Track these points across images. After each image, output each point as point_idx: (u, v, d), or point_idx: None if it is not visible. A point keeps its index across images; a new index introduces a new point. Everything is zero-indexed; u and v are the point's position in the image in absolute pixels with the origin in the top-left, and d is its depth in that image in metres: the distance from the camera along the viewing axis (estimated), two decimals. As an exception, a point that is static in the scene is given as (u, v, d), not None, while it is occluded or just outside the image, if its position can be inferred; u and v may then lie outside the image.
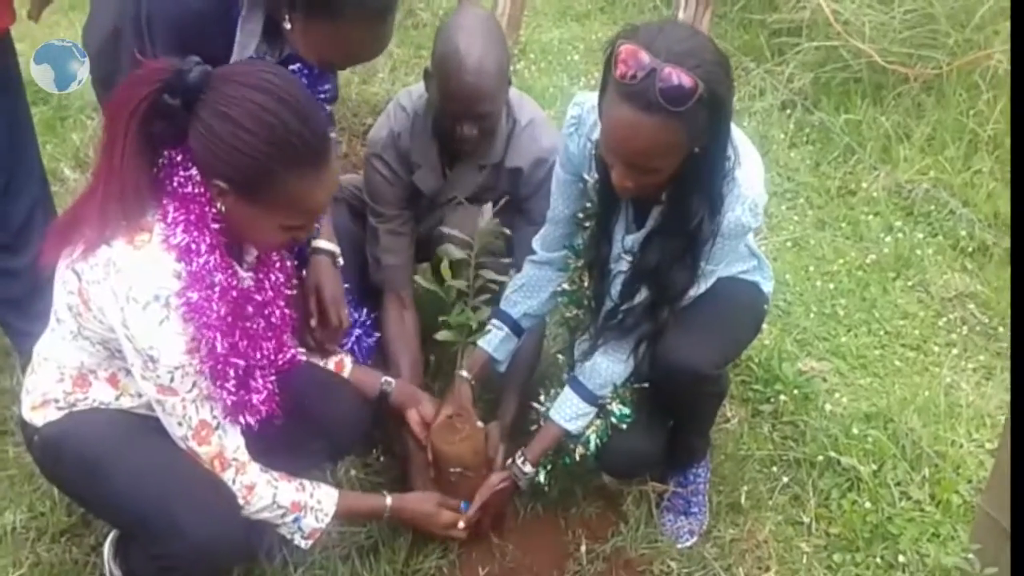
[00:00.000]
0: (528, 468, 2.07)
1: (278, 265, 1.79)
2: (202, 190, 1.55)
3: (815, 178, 3.59)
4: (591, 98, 1.87)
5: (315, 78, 2.03)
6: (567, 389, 2.07)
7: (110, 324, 1.56)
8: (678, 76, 1.56)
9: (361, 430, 2.11)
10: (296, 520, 1.80)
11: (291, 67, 2.00)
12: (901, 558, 2.10)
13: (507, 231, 2.09)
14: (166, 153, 1.56)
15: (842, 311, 2.92)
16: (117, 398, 1.73)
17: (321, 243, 2.14)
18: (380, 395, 2.10)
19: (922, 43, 3.88)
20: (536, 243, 2.18)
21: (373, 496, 2.03)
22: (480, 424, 2.12)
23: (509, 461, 2.10)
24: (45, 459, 1.79)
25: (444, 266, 1.98)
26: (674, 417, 2.12)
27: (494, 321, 2.16)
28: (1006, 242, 3.18)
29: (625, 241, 1.96)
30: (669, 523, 2.22)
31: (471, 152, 2.28)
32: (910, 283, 3.07)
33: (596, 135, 1.86)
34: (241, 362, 1.66)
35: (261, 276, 1.74)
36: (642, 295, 1.94)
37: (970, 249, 3.22)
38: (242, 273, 1.69)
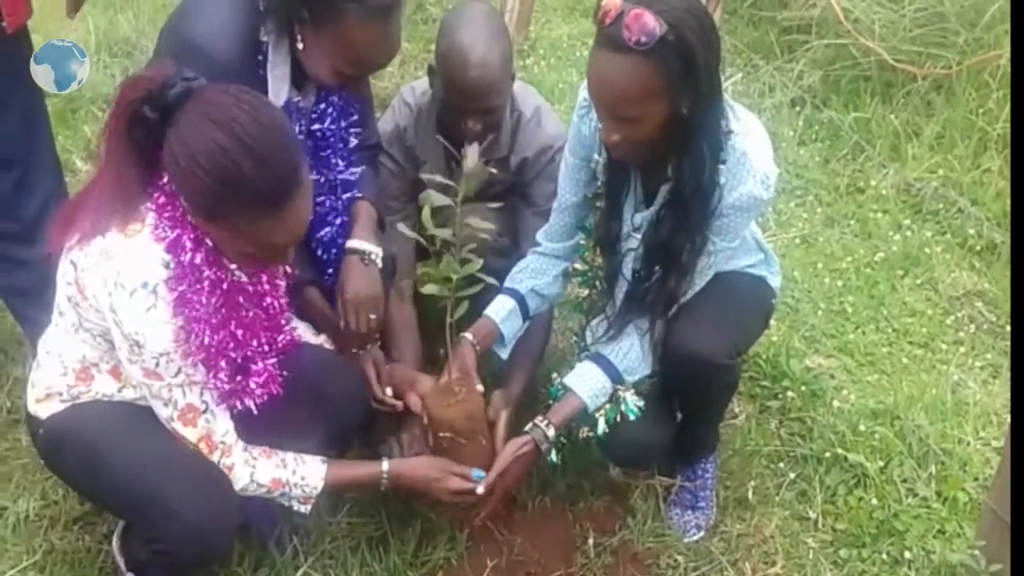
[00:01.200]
0: (551, 431, 1.98)
1: (272, 276, 1.81)
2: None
3: (824, 175, 3.59)
4: None
5: (341, 112, 2.09)
6: (591, 364, 2.01)
7: (100, 309, 1.60)
8: (643, 17, 1.63)
9: (364, 406, 2.11)
10: (283, 495, 1.82)
11: (322, 106, 2.06)
12: (907, 554, 2.11)
13: (493, 171, 2.03)
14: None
15: (850, 308, 2.92)
16: (120, 390, 1.76)
17: (353, 243, 2.12)
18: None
19: (932, 42, 3.87)
20: (541, 236, 2.18)
21: (367, 463, 1.95)
22: (480, 388, 2.03)
23: (530, 425, 2.00)
24: (49, 451, 1.83)
25: (426, 215, 1.86)
26: (684, 409, 2.13)
27: (500, 296, 2.14)
28: (1015, 241, 3.18)
29: (634, 219, 1.98)
30: (676, 517, 2.24)
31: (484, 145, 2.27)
32: (918, 281, 3.08)
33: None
34: (236, 354, 1.70)
35: (256, 270, 1.76)
36: (657, 272, 1.95)
37: (978, 248, 3.22)
38: (234, 267, 1.70)
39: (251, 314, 1.74)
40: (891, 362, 2.73)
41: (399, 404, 2.14)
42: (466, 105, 2.18)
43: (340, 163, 2.13)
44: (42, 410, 1.78)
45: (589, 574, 2.10)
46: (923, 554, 2.12)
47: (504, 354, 2.19)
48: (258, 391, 1.77)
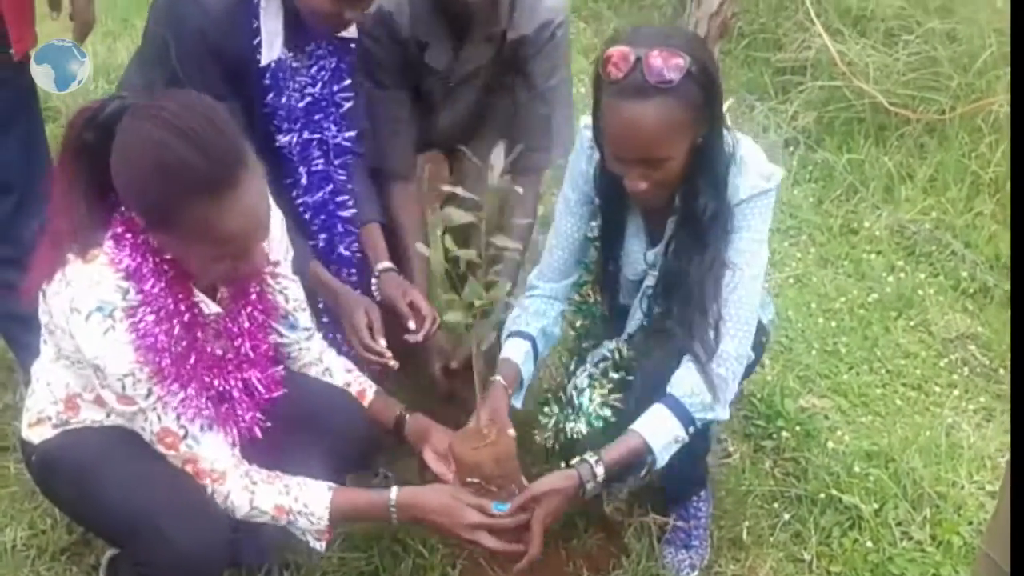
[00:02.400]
0: (600, 469, 1.79)
1: (255, 297, 1.77)
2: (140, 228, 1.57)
3: (818, 216, 3.62)
4: None
5: (334, 75, 2.06)
6: (659, 406, 1.85)
7: (68, 335, 1.57)
8: (665, 56, 1.66)
9: (367, 442, 2.05)
10: (291, 524, 1.74)
11: (314, 69, 2.04)
12: (902, 598, 2.11)
13: (519, 189, 1.98)
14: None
15: (844, 349, 2.93)
16: (108, 415, 1.73)
17: (383, 264, 2.15)
18: (395, 423, 2.01)
19: (925, 85, 3.93)
20: (535, 278, 2.14)
21: (376, 492, 1.81)
22: (512, 432, 1.88)
23: (578, 459, 1.82)
24: (42, 476, 1.80)
25: (440, 238, 1.82)
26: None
27: (512, 339, 2.07)
28: (1007, 284, 3.20)
29: (647, 257, 1.98)
30: (670, 556, 2.22)
31: (483, 18, 2.15)
32: (912, 323, 3.09)
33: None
34: (206, 388, 1.67)
35: (237, 308, 1.74)
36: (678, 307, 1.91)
37: (971, 290, 3.24)
38: (209, 303, 1.68)
39: (219, 352, 1.71)
40: (885, 403, 2.73)
41: (389, 356, 2.07)
42: None
43: (332, 127, 2.11)
44: (34, 435, 1.76)
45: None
46: (918, 598, 2.11)
47: (518, 402, 2.06)
48: (244, 427, 1.75)
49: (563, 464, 1.85)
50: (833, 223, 3.57)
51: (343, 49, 2.12)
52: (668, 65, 1.67)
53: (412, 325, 2.12)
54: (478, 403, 1.81)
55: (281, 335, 1.92)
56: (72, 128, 1.52)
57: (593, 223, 2.05)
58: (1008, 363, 2.89)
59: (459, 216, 1.64)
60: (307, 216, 2.15)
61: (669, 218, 1.92)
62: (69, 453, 1.72)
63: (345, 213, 2.20)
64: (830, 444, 2.49)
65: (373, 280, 2.19)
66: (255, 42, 1.95)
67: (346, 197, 2.19)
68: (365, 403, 2.00)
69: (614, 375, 2.03)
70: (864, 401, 2.74)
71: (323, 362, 2.00)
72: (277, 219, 1.79)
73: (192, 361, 1.63)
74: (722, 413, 1.89)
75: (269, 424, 1.78)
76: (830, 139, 3.97)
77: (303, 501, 1.72)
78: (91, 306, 1.52)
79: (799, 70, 4.22)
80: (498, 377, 2.02)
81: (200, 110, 1.48)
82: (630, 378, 2.02)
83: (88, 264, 1.54)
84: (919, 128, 3.85)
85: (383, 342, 2.08)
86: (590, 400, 2.02)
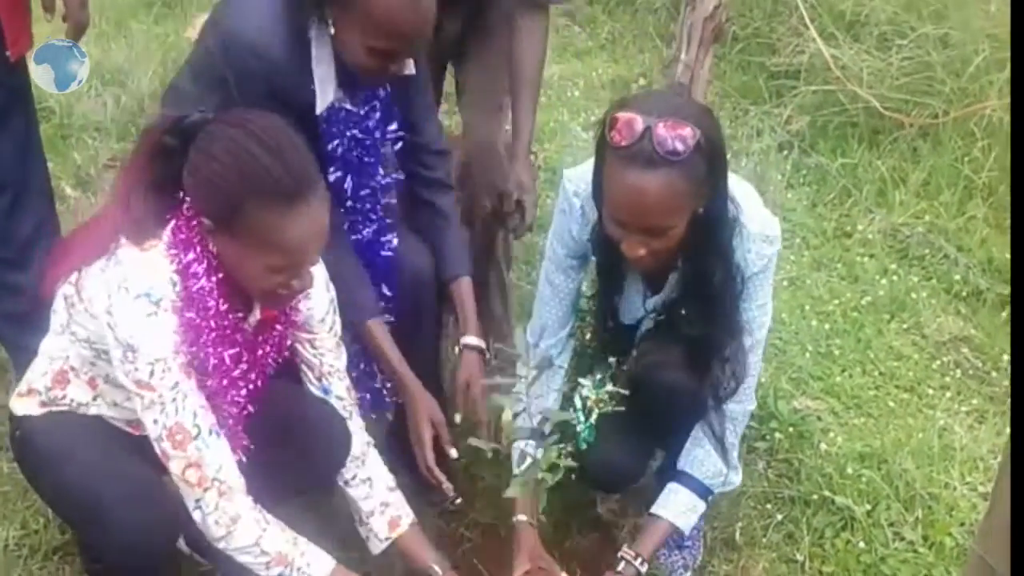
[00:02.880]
0: (644, 568, 1.96)
1: (276, 336, 1.80)
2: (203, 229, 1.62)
3: (812, 219, 3.63)
4: (583, 179, 1.89)
5: (384, 117, 2.05)
6: (674, 484, 2.01)
7: (95, 313, 1.59)
8: (674, 127, 1.65)
9: (344, 457, 2.01)
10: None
11: (365, 110, 2.04)
12: (895, 599, 2.12)
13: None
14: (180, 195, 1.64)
15: (837, 351, 2.94)
16: (95, 398, 1.75)
17: (470, 340, 2.12)
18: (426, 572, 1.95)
19: (918, 90, 3.94)
20: (532, 335, 2.08)
21: None
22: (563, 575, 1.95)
23: (622, 563, 1.96)
24: (20, 454, 1.84)
25: (507, 419, 1.80)
26: (659, 441, 2.12)
27: (525, 446, 2.00)
28: (1000, 288, 3.21)
29: (647, 304, 2.00)
30: (664, 557, 2.22)
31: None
32: (905, 325, 3.10)
33: (594, 217, 1.90)
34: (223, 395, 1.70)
35: (260, 338, 1.77)
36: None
37: (964, 294, 3.25)
38: (256, 311, 1.74)
39: (240, 370, 1.72)
40: (878, 405, 2.74)
41: (450, 488, 2.05)
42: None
43: (380, 168, 2.10)
44: (20, 407, 1.79)
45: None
46: (910, 599, 2.12)
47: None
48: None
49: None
50: (827, 226, 3.58)
51: (396, 87, 2.08)
52: (677, 136, 1.65)
53: (454, 453, 2.09)
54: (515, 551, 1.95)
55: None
56: (151, 133, 1.62)
57: (582, 275, 2.05)
58: (1001, 366, 2.91)
59: (503, 403, 1.78)
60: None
61: (671, 273, 1.93)
62: (45, 437, 1.75)
63: (388, 253, 2.17)
64: (823, 446, 2.50)
65: (456, 348, 2.16)
66: (312, 88, 1.93)
67: (390, 237, 2.16)
68: (395, 532, 1.94)
69: (608, 392, 2.04)
70: (857, 403, 2.75)
71: (365, 466, 1.94)
72: (322, 279, 1.81)
73: (225, 364, 1.67)
74: (737, 479, 2.06)
75: (252, 446, 1.79)
76: (824, 143, 3.97)
77: (307, 560, 1.72)
78: (141, 289, 1.56)
79: (793, 74, 4.23)
80: (522, 516, 2.02)
81: (284, 129, 1.60)
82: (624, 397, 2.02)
83: (144, 252, 1.60)
84: (912, 133, 3.86)
85: (454, 452, 2.06)
86: (585, 420, 2.02)
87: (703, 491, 2.00)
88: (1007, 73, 3.76)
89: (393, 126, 2.09)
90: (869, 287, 3.25)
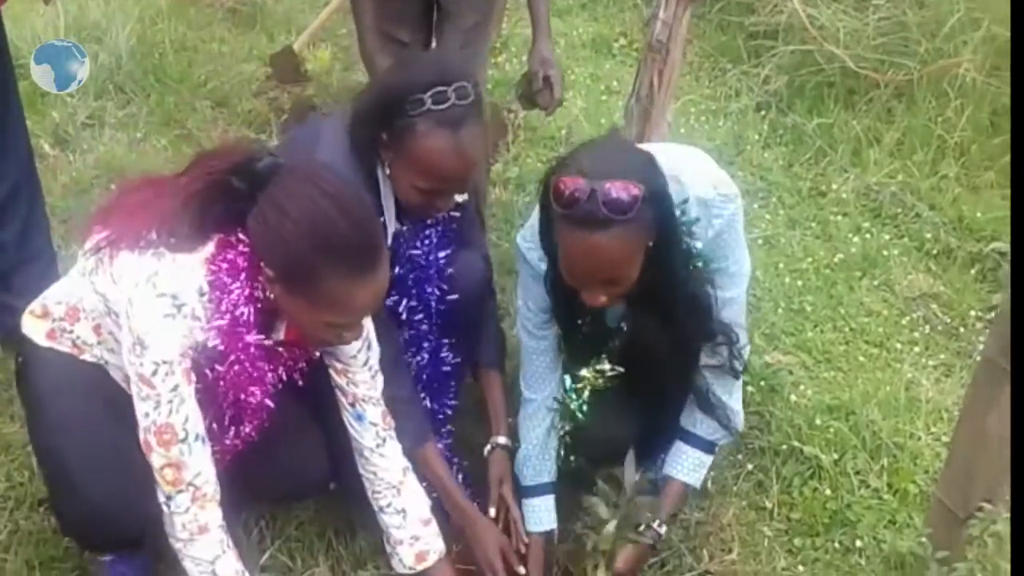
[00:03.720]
0: (663, 529, 2.05)
1: (296, 356, 1.79)
2: (257, 267, 1.60)
3: (787, 178, 3.67)
4: (536, 237, 1.94)
5: (439, 242, 2.13)
6: (679, 444, 2.10)
7: (119, 288, 1.58)
8: (617, 188, 1.68)
9: (322, 474, 2.03)
10: None
11: (420, 235, 2.11)
12: (858, 543, 2.19)
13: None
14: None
15: (809, 307, 2.99)
16: (99, 343, 1.75)
17: (501, 440, 2.19)
18: None
19: (894, 50, 3.97)
20: (525, 388, 2.14)
21: None
22: None
23: (643, 527, 2.02)
24: (18, 377, 1.85)
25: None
26: (649, 403, 2.17)
27: (534, 501, 2.11)
28: (969, 245, 3.28)
29: (617, 313, 2.02)
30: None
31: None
32: (876, 282, 3.16)
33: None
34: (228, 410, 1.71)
35: (279, 352, 1.76)
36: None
37: (934, 251, 3.31)
38: (280, 330, 1.73)
39: (246, 381, 1.70)
40: (848, 360, 2.80)
41: None
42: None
43: (436, 291, 2.16)
44: (31, 327, 1.77)
45: (552, 559, 2.14)
46: (874, 543, 2.19)
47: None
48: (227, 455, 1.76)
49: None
50: (802, 186, 3.62)
51: (451, 214, 2.15)
52: (624, 196, 1.67)
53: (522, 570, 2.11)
54: None
55: (351, 424, 1.89)
56: (214, 164, 1.57)
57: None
58: (968, 321, 2.98)
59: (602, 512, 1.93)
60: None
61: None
62: (44, 375, 1.76)
63: (446, 368, 2.25)
64: (793, 398, 2.56)
65: (486, 450, 2.22)
66: (383, 219, 2.00)
67: (447, 354, 2.23)
68: (421, 566, 1.93)
69: (601, 369, 2.07)
70: (827, 357, 2.81)
71: (401, 496, 1.92)
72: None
73: (232, 382, 1.67)
74: (739, 423, 2.13)
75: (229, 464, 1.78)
76: (800, 103, 4.01)
77: None
78: (167, 289, 1.54)
79: (771, 34, 4.25)
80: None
81: (358, 192, 1.62)
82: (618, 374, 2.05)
83: (185, 255, 1.57)
84: (887, 93, 3.90)
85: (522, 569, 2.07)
86: (577, 396, 2.07)
87: (708, 446, 2.09)
88: (982, 32, 3.81)
89: (450, 249, 2.16)
90: (842, 245, 3.31)
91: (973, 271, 3.22)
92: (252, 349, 1.66)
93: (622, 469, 1.95)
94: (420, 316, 2.18)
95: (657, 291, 1.87)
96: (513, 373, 2.25)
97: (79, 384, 1.75)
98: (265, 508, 2.09)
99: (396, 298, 2.12)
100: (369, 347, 1.84)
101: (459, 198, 2.11)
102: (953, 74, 3.76)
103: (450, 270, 2.16)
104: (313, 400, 1.94)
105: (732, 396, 2.09)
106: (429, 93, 1.86)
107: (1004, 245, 3.12)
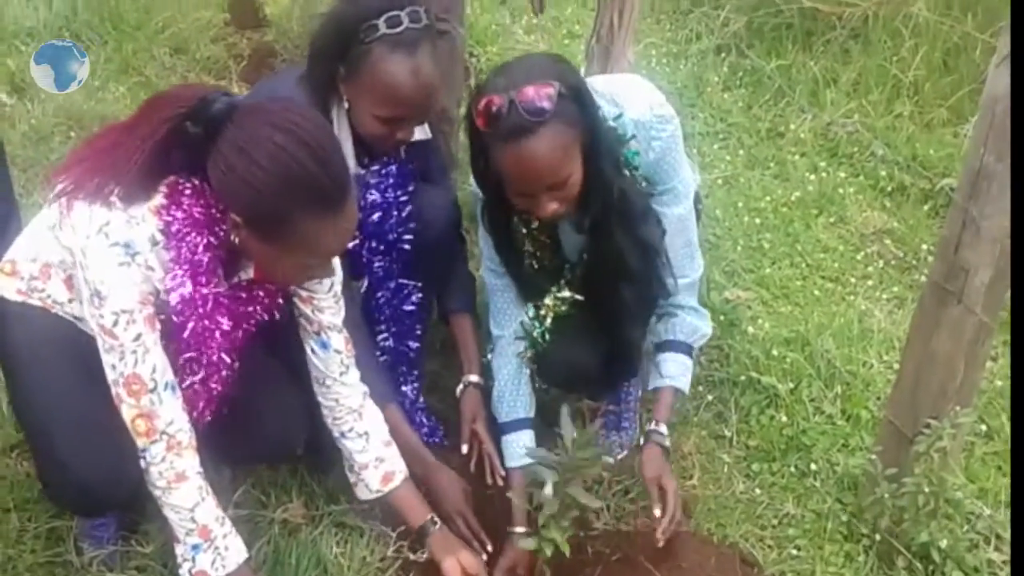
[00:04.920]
0: (664, 428, 2.12)
1: (266, 295, 1.76)
2: (216, 214, 1.57)
3: (747, 120, 3.72)
4: None
5: (397, 182, 2.13)
6: (659, 353, 2.14)
7: (74, 238, 1.55)
8: (531, 91, 1.72)
9: (297, 442, 2.03)
10: (195, 548, 1.68)
11: (378, 179, 2.11)
12: (813, 466, 2.27)
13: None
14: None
15: (767, 245, 3.07)
16: (70, 301, 1.73)
17: (473, 378, 2.24)
18: (419, 530, 1.96)
19: (852, -10, 4.02)
20: (495, 327, 2.18)
21: None
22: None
23: (648, 432, 2.13)
24: None
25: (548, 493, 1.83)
26: (610, 326, 2.22)
27: (510, 437, 2.13)
28: (923, 183, 3.36)
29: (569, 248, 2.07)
30: (602, 438, 2.35)
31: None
32: (831, 220, 3.24)
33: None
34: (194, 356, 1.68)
35: (248, 295, 1.73)
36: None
37: (889, 189, 3.39)
38: (248, 270, 1.70)
39: (216, 327, 1.68)
40: (804, 294, 2.88)
41: (487, 541, 2.05)
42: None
43: (395, 233, 2.17)
44: (2, 283, 1.74)
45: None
46: (828, 466, 2.28)
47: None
48: (200, 404, 1.74)
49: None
50: (761, 126, 3.68)
51: (410, 153, 2.15)
52: (540, 97, 1.71)
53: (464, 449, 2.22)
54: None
55: (314, 352, 1.88)
56: (166, 107, 1.50)
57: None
58: (920, 255, 3.07)
59: (548, 476, 1.82)
60: (375, 315, 2.23)
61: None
62: (18, 334, 1.73)
63: (409, 307, 2.26)
64: (751, 331, 2.64)
65: (458, 389, 2.26)
66: None
67: (409, 293, 2.25)
68: (388, 487, 1.95)
69: (563, 296, 2.11)
70: (785, 292, 2.89)
71: (363, 419, 1.93)
72: None
73: (196, 331, 1.65)
74: (708, 327, 2.18)
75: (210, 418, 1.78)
76: (760, 44, 4.05)
77: (227, 543, 1.70)
78: (120, 239, 1.52)
79: (731, -24, 4.27)
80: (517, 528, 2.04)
81: (321, 125, 1.55)
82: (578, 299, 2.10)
83: (134, 206, 1.54)
84: (844, 34, 3.95)
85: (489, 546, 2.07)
86: (540, 324, 2.11)
87: (687, 349, 2.14)
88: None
89: (409, 188, 2.16)
90: (799, 184, 3.37)
91: (926, 207, 3.31)
92: (211, 301, 1.63)
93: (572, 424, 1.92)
94: (381, 258, 2.20)
95: (605, 199, 1.90)
96: (485, 315, 2.29)
97: (55, 343, 1.73)
98: (239, 468, 2.09)
99: (356, 243, 2.13)
100: (333, 272, 1.83)
101: (420, 134, 2.12)
102: (907, 14, 3.81)
103: (409, 208, 2.17)
104: (286, 360, 1.94)
105: (695, 303, 2.15)
106: (383, 18, 1.88)
107: (955, 181, 3.19)
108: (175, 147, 1.52)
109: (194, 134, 1.50)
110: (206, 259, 1.59)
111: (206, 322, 1.66)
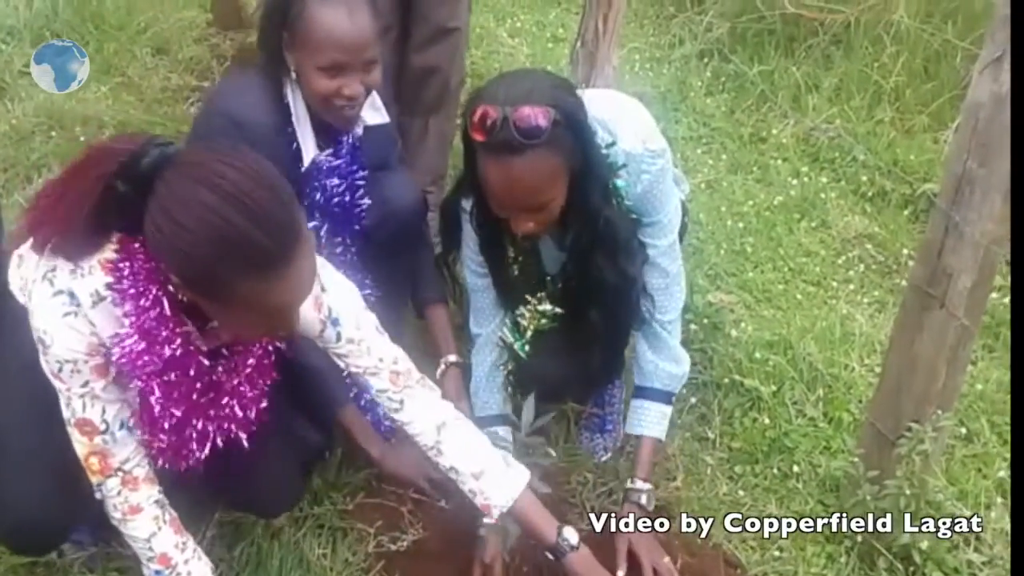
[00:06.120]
0: (646, 486, 2.06)
1: (250, 367, 1.67)
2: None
3: (729, 124, 3.75)
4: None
5: (356, 162, 2.13)
6: (637, 401, 2.11)
7: (23, 283, 1.52)
8: (528, 112, 1.70)
9: (285, 509, 2.04)
10: (158, 573, 1.65)
11: (347, 154, 2.12)
12: (795, 468, 2.28)
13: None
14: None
15: (750, 248, 3.08)
16: None
17: (451, 358, 2.25)
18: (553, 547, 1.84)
19: (832, -1, 4.06)
20: (474, 325, 2.18)
21: None
22: None
23: (627, 491, 2.07)
24: None
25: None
26: (593, 337, 2.23)
27: (486, 431, 2.00)
28: (903, 188, 3.39)
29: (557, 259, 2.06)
30: (586, 440, 2.37)
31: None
32: (813, 224, 3.26)
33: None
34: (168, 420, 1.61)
35: (227, 366, 1.65)
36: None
37: (870, 194, 3.42)
38: (202, 344, 1.59)
39: (206, 398, 1.62)
40: (786, 298, 2.90)
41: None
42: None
43: (355, 211, 2.17)
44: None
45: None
46: (810, 468, 2.29)
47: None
48: (187, 460, 1.67)
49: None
50: (744, 131, 3.71)
51: (367, 137, 2.15)
52: (535, 120, 1.69)
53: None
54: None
55: (374, 399, 1.85)
56: (97, 166, 1.38)
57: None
58: (901, 260, 3.10)
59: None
60: None
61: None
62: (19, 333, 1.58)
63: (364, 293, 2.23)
64: (734, 334, 2.65)
65: (438, 371, 2.25)
66: (295, 147, 2.03)
67: (366, 280, 2.22)
68: (492, 515, 1.83)
69: (542, 310, 2.11)
70: (767, 296, 2.90)
71: (443, 455, 1.83)
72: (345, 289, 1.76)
73: (174, 398, 1.58)
74: (687, 367, 2.14)
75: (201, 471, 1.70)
76: (742, 50, 4.08)
77: (189, 568, 1.67)
78: (63, 287, 1.44)
79: (714, -19, 4.30)
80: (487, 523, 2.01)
81: (258, 175, 1.37)
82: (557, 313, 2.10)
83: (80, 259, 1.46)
84: (826, 40, 3.98)
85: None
86: (521, 337, 2.12)
87: (665, 397, 2.11)
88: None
89: (364, 172, 2.16)
90: (782, 188, 3.40)
91: (906, 212, 3.35)
92: (168, 363, 1.53)
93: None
94: (338, 239, 2.18)
95: (588, 225, 1.90)
96: (465, 311, 2.29)
97: (30, 390, 1.61)
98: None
99: (317, 224, 2.13)
100: (335, 323, 1.72)
101: (377, 118, 2.14)
102: (888, 21, 3.85)
103: (363, 192, 2.17)
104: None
105: (675, 342, 2.13)
106: None
107: (935, 187, 3.23)
108: (110, 208, 1.40)
109: (124, 193, 1.37)
110: (155, 314, 1.48)
111: (165, 386, 1.56)
